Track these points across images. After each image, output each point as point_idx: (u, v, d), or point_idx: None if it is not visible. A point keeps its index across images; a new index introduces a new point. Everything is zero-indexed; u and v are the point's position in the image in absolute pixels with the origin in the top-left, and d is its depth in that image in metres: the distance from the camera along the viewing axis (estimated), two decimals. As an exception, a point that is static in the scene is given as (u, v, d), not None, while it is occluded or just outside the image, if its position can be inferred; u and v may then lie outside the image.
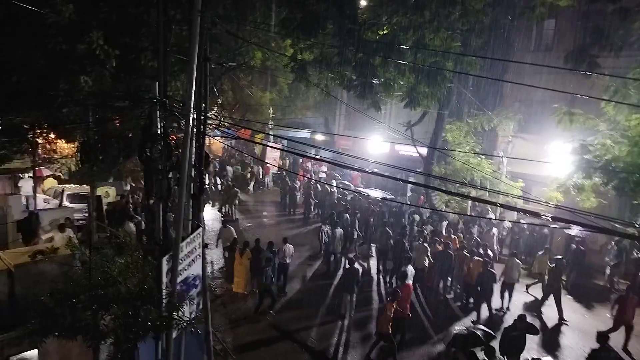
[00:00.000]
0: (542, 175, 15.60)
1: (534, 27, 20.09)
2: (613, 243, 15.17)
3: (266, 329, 10.59)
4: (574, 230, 15.61)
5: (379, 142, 22.93)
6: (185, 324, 5.55)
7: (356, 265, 11.51)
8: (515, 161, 16.68)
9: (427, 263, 13.37)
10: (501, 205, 10.90)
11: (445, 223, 17.24)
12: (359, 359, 9.67)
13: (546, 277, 12.78)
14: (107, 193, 16.22)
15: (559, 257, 13.11)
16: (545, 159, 13.50)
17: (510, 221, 17.29)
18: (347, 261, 11.97)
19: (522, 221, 16.76)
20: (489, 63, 17.19)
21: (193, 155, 6.48)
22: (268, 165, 25.53)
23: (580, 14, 17.81)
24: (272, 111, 26.60)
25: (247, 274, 11.99)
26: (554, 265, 12.56)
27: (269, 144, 23.55)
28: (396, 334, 10.24)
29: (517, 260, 12.94)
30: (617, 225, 12.06)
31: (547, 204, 11.47)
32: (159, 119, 6.18)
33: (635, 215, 13.39)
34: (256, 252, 12.11)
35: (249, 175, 25.31)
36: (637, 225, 11.93)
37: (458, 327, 9.14)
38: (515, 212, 17.07)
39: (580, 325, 11.95)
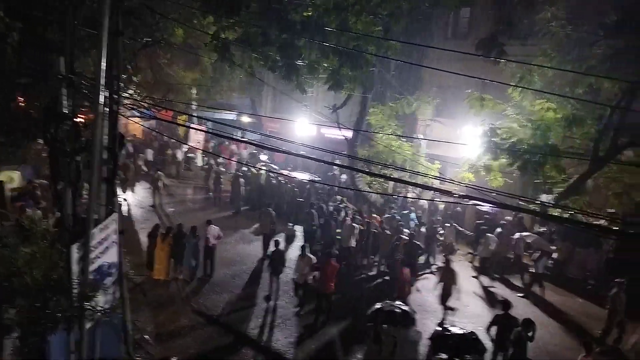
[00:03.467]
0: (457, 157, 16.58)
1: (450, 15, 21.06)
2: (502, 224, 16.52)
3: (190, 315, 10.39)
4: (485, 207, 16.85)
5: (306, 125, 23.03)
6: (99, 315, 5.31)
7: (280, 247, 11.62)
8: (433, 144, 17.57)
9: (353, 242, 13.89)
10: (420, 186, 11.45)
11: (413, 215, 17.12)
12: (284, 339, 9.83)
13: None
14: (11, 178, 14.86)
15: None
16: (459, 142, 14.34)
17: (426, 199, 18.17)
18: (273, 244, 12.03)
19: (436, 200, 17.68)
20: (409, 49, 17.80)
21: (105, 137, 6.13)
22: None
23: (493, 3, 18.92)
24: (195, 92, 25.64)
25: (168, 260, 11.64)
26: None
27: (193, 125, 22.77)
28: (320, 310, 10.56)
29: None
30: (520, 202, 13.22)
31: (459, 183, 12.23)
32: (65, 97, 5.77)
33: (536, 192, 14.71)
34: (178, 238, 11.79)
35: (170, 158, 24.41)
36: (537, 202, 13.16)
37: (379, 304, 9.57)
38: (431, 192, 18.00)
39: (490, 295, 13.04)
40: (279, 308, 11.08)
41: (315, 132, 24.35)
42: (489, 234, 14.22)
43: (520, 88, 12.99)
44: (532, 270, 13.24)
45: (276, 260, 11.37)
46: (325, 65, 15.88)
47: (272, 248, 11.89)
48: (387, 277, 13.44)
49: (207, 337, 9.62)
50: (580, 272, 14.24)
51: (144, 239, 12.91)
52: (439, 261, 14.92)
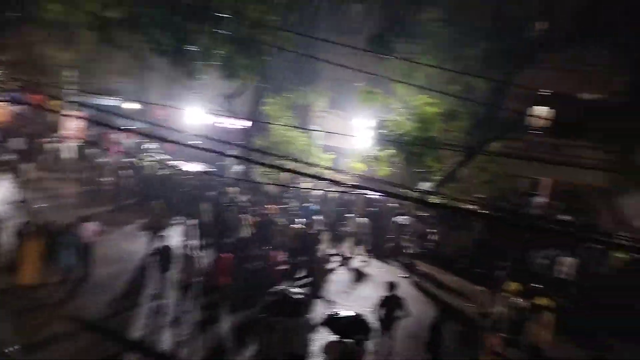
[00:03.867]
0: (350, 148, 17.16)
1: (343, 10, 21.62)
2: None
3: (65, 321, 9.44)
4: (375, 196, 17.68)
5: (199, 113, 22.13)
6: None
7: (168, 242, 11.10)
8: (329, 135, 17.97)
9: (248, 233, 13.76)
10: (314, 177, 11.66)
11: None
12: (174, 339, 9.42)
13: None
14: None
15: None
16: (351, 133, 14.86)
17: (319, 189, 18.56)
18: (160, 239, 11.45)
19: (329, 189, 18.16)
20: (306, 41, 17.95)
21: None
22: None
23: (382, 1, 19.76)
24: (73, 74, 23.25)
25: (39, 261, 10.46)
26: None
27: (69, 112, 20.66)
28: (212, 305, 10.32)
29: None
30: (404, 190, 14.12)
31: (351, 173, 12.71)
32: None
33: (417, 181, 15.82)
34: (52, 236, 10.66)
35: (42, 147, 22.00)
36: (418, 190, 14.15)
37: (271, 294, 9.59)
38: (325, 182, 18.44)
39: (377, 278, 13.77)
40: (168, 306, 10.57)
41: (209, 121, 23.53)
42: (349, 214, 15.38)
43: (405, 84, 13.78)
44: (410, 251, 14.28)
45: (164, 257, 10.83)
46: (219, 52, 15.40)
47: (160, 244, 11.29)
48: (282, 267, 13.50)
49: (85, 344, 8.83)
50: (454, 251, 15.66)
51: (10, 238, 11.44)
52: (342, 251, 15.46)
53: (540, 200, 17.55)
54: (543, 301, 10.08)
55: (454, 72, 12.74)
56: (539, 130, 17.31)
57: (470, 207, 10.75)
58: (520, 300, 10.23)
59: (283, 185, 18.39)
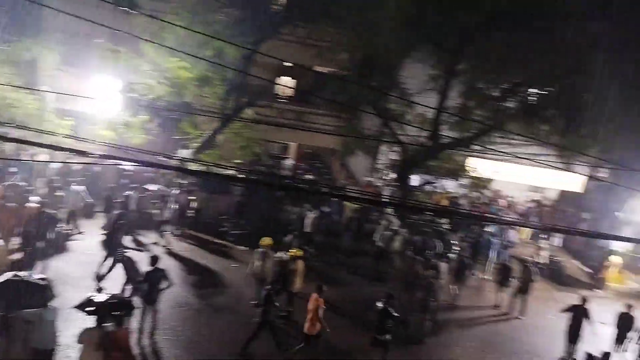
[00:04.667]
0: (93, 113, 15.21)
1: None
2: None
3: None
4: (128, 166, 16.27)
5: None
6: None
7: None
8: (63, 97, 15.44)
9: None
10: (50, 147, 9.89)
11: None
12: None
13: None
14: None
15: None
16: (92, 96, 13.18)
17: (58, 162, 16.00)
18: None
19: (70, 161, 15.85)
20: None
21: None
22: None
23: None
24: None
25: None
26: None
27: None
28: None
29: None
30: (162, 158, 13.51)
31: (97, 142, 11.30)
32: None
33: (175, 148, 15.38)
34: None
35: None
36: (177, 158, 13.77)
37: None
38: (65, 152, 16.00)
39: (138, 253, 12.94)
40: None
41: None
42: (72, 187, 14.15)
43: (155, 45, 12.89)
44: (169, 220, 13.87)
45: None
46: None
47: None
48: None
49: None
50: (216, 216, 15.94)
51: None
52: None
53: (288, 162, 19.47)
54: (295, 252, 11.29)
55: (204, 35, 12.52)
56: (285, 98, 18.97)
57: (229, 172, 11.07)
58: (282, 254, 11.16)
59: (6, 159, 15.11)
